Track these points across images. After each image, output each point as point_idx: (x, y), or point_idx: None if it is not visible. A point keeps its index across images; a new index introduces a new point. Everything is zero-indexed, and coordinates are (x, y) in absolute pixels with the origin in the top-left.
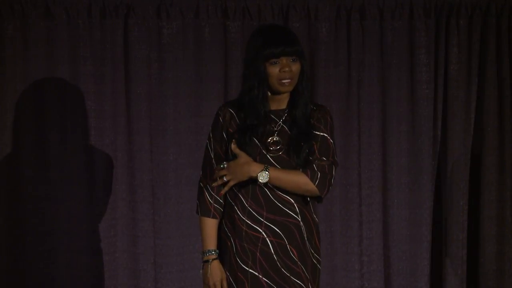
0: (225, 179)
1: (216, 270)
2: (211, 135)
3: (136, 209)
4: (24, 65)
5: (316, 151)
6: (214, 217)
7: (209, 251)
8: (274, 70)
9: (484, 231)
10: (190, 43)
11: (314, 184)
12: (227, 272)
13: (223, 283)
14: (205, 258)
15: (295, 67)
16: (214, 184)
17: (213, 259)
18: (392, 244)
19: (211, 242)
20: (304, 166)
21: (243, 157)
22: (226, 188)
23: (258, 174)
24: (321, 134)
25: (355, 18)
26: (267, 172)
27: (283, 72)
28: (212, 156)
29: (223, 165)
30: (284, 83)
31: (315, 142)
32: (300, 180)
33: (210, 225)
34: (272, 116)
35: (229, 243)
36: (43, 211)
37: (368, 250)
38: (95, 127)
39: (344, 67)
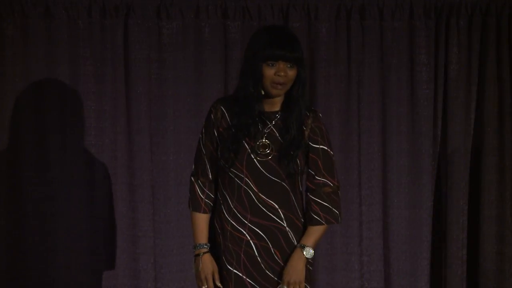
0: None
1: (207, 264)
2: (203, 131)
3: (136, 209)
4: (24, 65)
5: (322, 169)
6: (204, 212)
7: (200, 245)
8: (269, 72)
9: (484, 231)
10: (190, 43)
11: (338, 222)
12: (220, 270)
13: (215, 275)
14: (197, 252)
15: (291, 73)
16: None
17: (204, 253)
18: (392, 244)
19: (202, 236)
20: (294, 174)
21: (296, 262)
22: None
23: (308, 257)
24: (321, 147)
25: (355, 18)
26: (311, 251)
27: (277, 75)
28: (204, 153)
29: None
30: (276, 86)
31: (317, 157)
32: (323, 232)
33: (201, 220)
34: (263, 117)
35: (218, 240)
36: (43, 211)
37: (368, 250)
38: (95, 127)
39: (344, 67)
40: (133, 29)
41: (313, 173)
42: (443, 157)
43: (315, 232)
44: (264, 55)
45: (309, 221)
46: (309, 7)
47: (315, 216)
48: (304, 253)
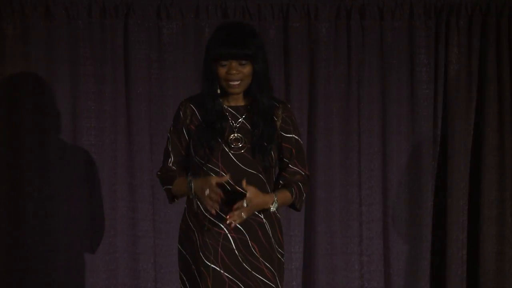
0: (244, 216)
1: (202, 181)
2: (171, 129)
3: (136, 209)
4: (24, 65)
5: (295, 158)
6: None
7: (188, 181)
8: (222, 72)
9: (484, 231)
10: (190, 43)
11: (300, 208)
12: (193, 265)
13: (213, 187)
14: (189, 185)
15: (245, 70)
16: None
17: (194, 178)
18: (392, 244)
19: (185, 180)
20: (269, 167)
21: (264, 201)
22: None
23: (270, 210)
24: (293, 136)
25: (355, 18)
26: (276, 204)
27: (229, 74)
28: (170, 149)
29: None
30: (231, 85)
31: (291, 146)
32: (286, 204)
33: (178, 180)
34: (233, 111)
35: (194, 238)
36: (43, 211)
37: (368, 250)
38: (95, 127)
39: (344, 67)
40: (133, 29)
41: (287, 161)
42: (443, 157)
43: (286, 197)
44: (215, 55)
45: (285, 186)
46: (309, 7)
47: (290, 187)
48: (272, 205)
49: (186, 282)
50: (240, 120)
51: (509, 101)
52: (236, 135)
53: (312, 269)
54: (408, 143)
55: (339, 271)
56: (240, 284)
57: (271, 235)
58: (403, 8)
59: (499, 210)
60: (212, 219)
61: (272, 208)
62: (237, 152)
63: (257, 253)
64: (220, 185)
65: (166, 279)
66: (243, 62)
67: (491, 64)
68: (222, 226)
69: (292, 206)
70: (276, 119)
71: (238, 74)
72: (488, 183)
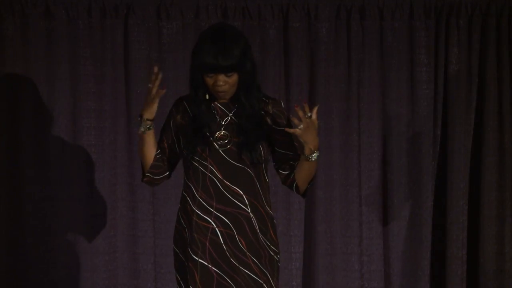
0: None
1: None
2: (162, 128)
3: (136, 209)
4: (24, 65)
5: (294, 147)
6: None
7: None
8: (209, 82)
9: (484, 231)
10: (190, 43)
11: (306, 192)
12: (185, 262)
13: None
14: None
15: (231, 80)
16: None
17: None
18: (392, 244)
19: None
20: (257, 163)
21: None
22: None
23: (315, 153)
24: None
25: (355, 18)
26: (317, 153)
27: (217, 86)
28: (160, 147)
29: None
30: (219, 94)
31: (287, 138)
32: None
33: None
34: (222, 108)
35: (185, 235)
36: (43, 211)
37: (368, 250)
38: (95, 127)
39: (344, 67)
40: (133, 29)
41: (290, 152)
42: (443, 157)
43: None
44: (200, 67)
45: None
46: (309, 7)
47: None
48: (315, 152)
49: (181, 281)
50: (227, 118)
51: (509, 101)
52: (222, 132)
53: (312, 269)
54: (408, 143)
55: (339, 271)
56: (228, 279)
57: (258, 231)
58: (403, 8)
59: (499, 210)
60: (200, 213)
61: (311, 157)
62: (225, 148)
63: (244, 247)
64: (212, 184)
65: (166, 279)
66: (229, 74)
67: (491, 64)
68: (210, 221)
69: (305, 188)
70: (264, 114)
71: (224, 86)
72: (488, 183)
